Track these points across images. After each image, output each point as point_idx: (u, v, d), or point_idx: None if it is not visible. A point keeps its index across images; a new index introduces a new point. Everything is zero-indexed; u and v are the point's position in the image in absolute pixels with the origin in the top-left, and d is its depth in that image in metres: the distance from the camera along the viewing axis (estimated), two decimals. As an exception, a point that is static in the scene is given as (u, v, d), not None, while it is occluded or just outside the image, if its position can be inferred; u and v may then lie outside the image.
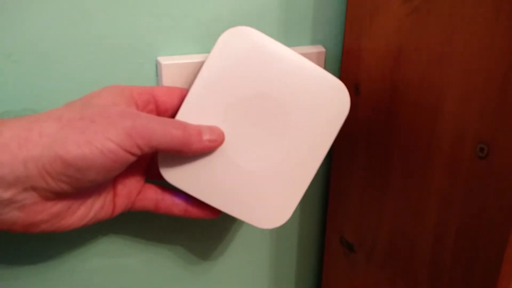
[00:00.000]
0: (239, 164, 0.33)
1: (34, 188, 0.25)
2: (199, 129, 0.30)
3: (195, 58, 0.35)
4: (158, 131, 0.28)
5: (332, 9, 0.40)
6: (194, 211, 0.34)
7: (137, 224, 0.40)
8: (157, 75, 0.35)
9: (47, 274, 0.38)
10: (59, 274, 0.38)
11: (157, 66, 0.35)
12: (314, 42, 0.41)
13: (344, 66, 0.40)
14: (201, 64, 0.35)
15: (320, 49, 0.41)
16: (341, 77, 0.41)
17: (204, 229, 0.43)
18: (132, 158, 0.27)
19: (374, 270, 0.41)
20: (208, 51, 0.37)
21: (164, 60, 0.34)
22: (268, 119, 0.33)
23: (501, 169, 0.27)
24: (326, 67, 0.42)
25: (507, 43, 0.26)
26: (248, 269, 0.47)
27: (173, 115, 0.32)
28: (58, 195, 0.27)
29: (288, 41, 0.40)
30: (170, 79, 0.35)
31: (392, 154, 0.36)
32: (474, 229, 0.30)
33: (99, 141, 0.26)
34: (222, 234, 0.44)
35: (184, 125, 0.30)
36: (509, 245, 0.28)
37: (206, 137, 0.31)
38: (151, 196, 0.34)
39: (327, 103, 0.34)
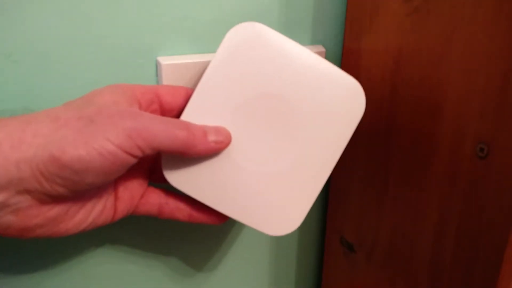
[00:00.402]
0: (247, 168, 0.31)
1: (28, 191, 0.24)
2: (204, 130, 0.29)
3: (195, 58, 0.35)
4: (161, 131, 0.26)
5: (332, 9, 0.40)
6: (199, 217, 0.33)
7: (139, 229, 0.40)
8: (157, 75, 0.35)
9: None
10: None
11: (157, 66, 0.35)
12: (314, 42, 0.41)
13: (344, 66, 0.40)
14: (202, 64, 0.35)
15: (320, 49, 0.41)
16: (341, 77, 0.41)
17: (204, 229, 0.43)
18: (132, 160, 0.26)
19: (374, 270, 0.41)
20: (208, 51, 0.37)
21: (164, 60, 0.34)
22: (279, 120, 0.31)
23: (501, 169, 0.27)
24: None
25: (507, 43, 0.26)
26: (248, 269, 0.47)
27: (178, 116, 0.31)
28: (55, 199, 0.25)
29: (288, 41, 0.40)
30: (170, 79, 0.35)
31: (392, 154, 0.36)
32: (474, 229, 0.30)
33: (98, 142, 0.24)
34: (222, 235, 0.44)
35: (188, 125, 0.28)
36: (509, 245, 0.28)
37: (211, 138, 0.29)
38: (154, 200, 0.32)
39: (341, 103, 0.32)
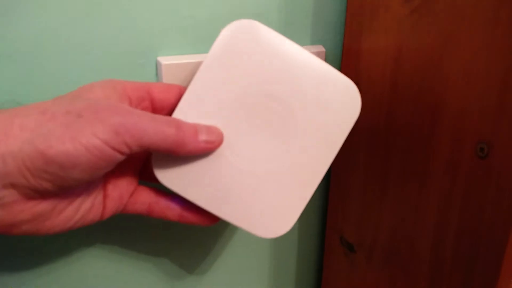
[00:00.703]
0: (239, 168, 0.31)
1: (14, 186, 0.24)
2: (195, 128, 0.28)
3: (195, 58, 0.35)
4: (149, 129, 0.26)
5: (332, 9, 0.40)
6: (189, 217, 0.32)
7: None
8: (157, 75, 0.35)
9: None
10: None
11: (157, 66, 0.35)
12: (314, 42, 0.41)
13: (344, 66, 0.40)
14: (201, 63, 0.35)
15: (320, 49, 0.41)
16: (341, 77, 0.41)
17: (202, 228, 0.43)
18: (120, 157, 0.26)
19: (374, 270, 0.41)
20: (208, 51, 0.37)
21: (164, 60, 0.34)
22: (273, 120, 0.31)
23: (501, 169, 0.27)
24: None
25: (507, 43, 0.26)
26: (248, 269, 0.47)
27: (169, 114, 0.31)
28: (41, 194, 0.25)
29: (288, 41, 0.40)
30: (170, 79, 0.35)
31: (392, 154, 0.36)
32: (474, 229, 0.30)
33: (85, 137, 0.24)
34: (220, 234, 0.44)
35: (178, 124, 0.28)
36: (509, 245, 0.28)
37: (202, 137, 0.29)
38: (144, 199, 0.32)
39: (337, 103, 0.31)
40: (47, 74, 0.32)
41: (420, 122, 0.33)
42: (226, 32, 0.30)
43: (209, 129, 0.30)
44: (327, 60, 0.42)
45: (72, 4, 0.31)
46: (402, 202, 0.36)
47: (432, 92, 0.32)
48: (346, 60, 0.40)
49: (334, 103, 0.31)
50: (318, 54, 0.40)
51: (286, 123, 0.31)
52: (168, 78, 0.35)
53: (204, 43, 0.36)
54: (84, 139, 0.24)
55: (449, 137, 0.31)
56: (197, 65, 0.35)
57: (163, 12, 0.34)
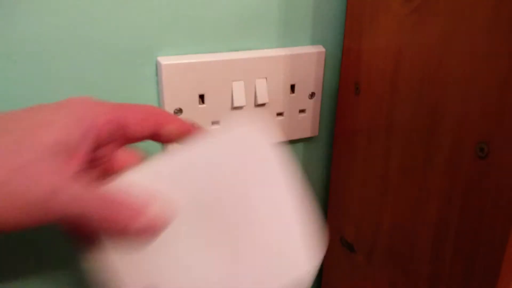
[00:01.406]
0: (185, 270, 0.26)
1: None
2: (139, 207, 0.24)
3: (195, 58, 0.35)
4: (86, 207, 0.23)
5: (332, 9, 0.40)
6: None
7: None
8: (157, 75, 0.36)
9: None
10: None
11: (157, 66, 0.35)
12: (314, 42, 0.41)
13: (344, 66, 0.40)
14: (202, 64, 0.35)
15: (320, 49, 0.41)
16: (341, 77, 0.41)
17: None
18: (46, 222, 0.22)
19: (374, 270, 0.41)
20: (208, 51, 0.37)
21: (164, 60, 0.34)
22: (222, 241, 0.27)
23: (501, 169, 0.27)
24: (326, 67, 0.42)
25: (507, 43, 0.26)
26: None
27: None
28: None
29: (288, 41, 0.40)
30: (170, 79, 0.35)
31: (392, 154, 0.36)
32: (474, 229, 0.30)
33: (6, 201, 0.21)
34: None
35: (119, 204, 0.24)
36: (509, 245, 0.28)
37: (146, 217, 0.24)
38: None
39: (285, 258, 0.28)
40: (47, 74, 0.32)
41: (420, 122, 0.33)
42: (235, 133, 0.27)
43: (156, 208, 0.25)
44: (327, 60, 0.42)
45: (72, 4, 0.31)
46: (402, 203, 0.36)
47: (432, 92, 0.32)
48: (346, 60, 0.40)
49: (283, 256, 0.28)
50: (318, 54, 0.40)
51: (233, 248, 0.27)
52: (168, 78, 0.35)
53: (204, 43, 0.36)
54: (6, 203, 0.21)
55: (449, 137, 0.31)
56: (197, 65, 0.35)
57: (163, 12, 0.34)
